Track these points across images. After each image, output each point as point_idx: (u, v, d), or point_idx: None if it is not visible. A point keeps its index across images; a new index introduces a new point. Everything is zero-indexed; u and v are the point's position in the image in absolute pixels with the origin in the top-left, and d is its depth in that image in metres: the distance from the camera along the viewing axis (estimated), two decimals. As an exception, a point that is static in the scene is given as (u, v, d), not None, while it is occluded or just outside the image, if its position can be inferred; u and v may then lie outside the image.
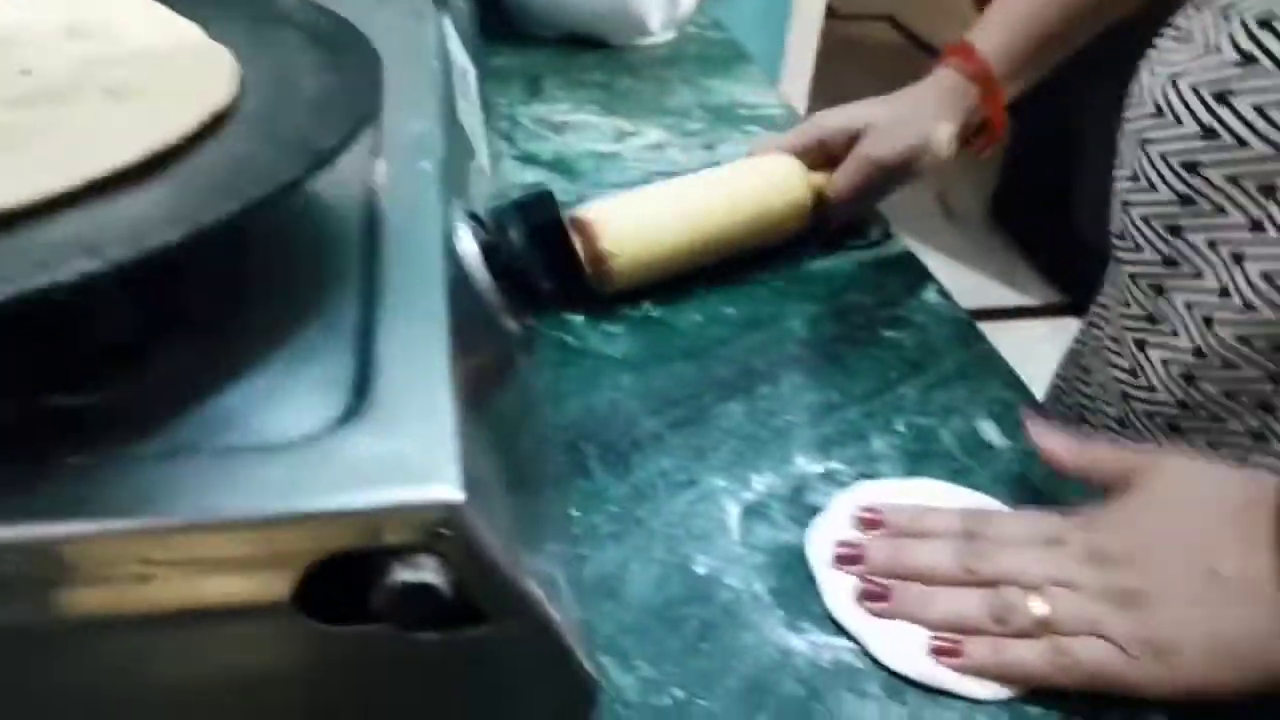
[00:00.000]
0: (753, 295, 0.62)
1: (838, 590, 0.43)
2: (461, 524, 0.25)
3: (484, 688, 0.29)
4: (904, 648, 0.41)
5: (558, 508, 0.36)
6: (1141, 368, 0.54)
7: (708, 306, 0.60)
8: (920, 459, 0.51)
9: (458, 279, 0.35)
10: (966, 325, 0.61)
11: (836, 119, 0.64)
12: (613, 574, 0.44)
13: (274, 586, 0.25)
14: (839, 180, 0.63)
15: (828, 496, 0.48)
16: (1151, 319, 0.53)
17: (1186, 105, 0.50)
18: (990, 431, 0.52)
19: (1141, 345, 0.54)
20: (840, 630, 0.42)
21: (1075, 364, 0.65)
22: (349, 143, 0.28)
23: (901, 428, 0.53)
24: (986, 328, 0.61)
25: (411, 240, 0.33)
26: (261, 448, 0.26)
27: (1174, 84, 0.51)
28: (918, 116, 0.63)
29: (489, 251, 0.38)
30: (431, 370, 0.28)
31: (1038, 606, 0.39)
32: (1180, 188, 0.50)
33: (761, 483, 0.49)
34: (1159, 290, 0.52)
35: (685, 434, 0.51)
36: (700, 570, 0.44)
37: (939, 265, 0.62)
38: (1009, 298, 1.90)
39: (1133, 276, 0.54)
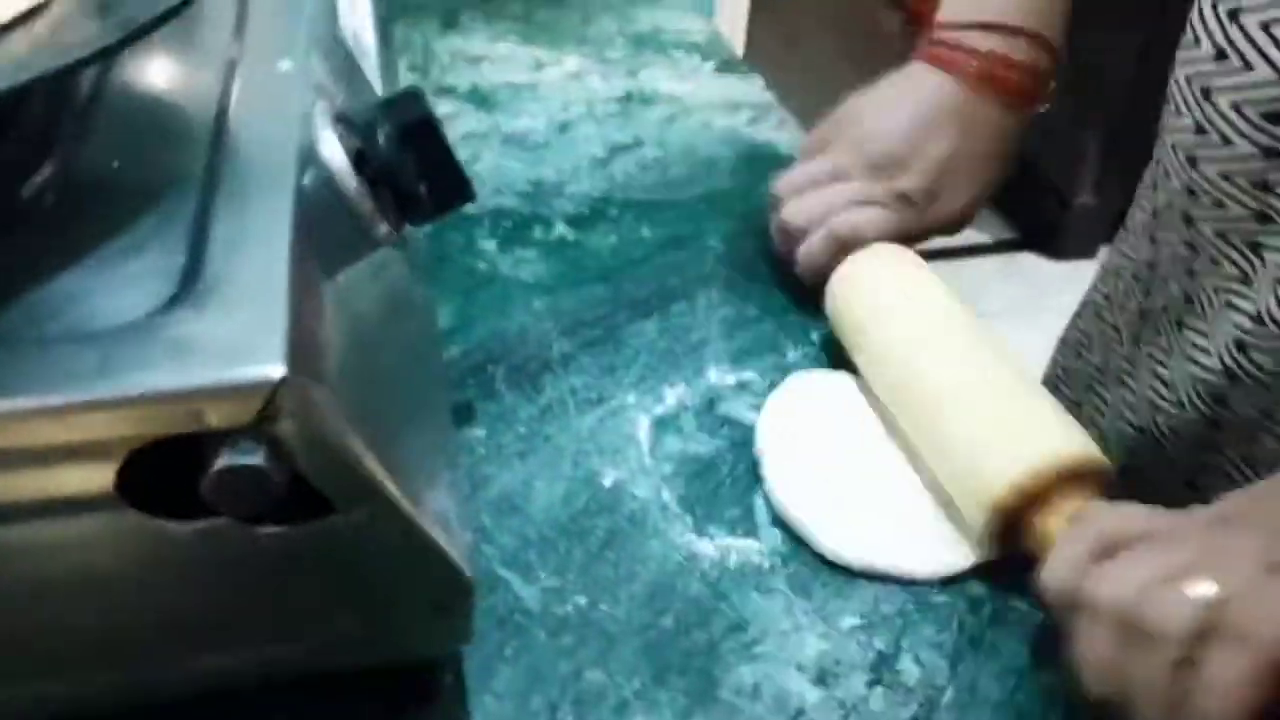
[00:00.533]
0: (670, 216, 0.60)
1: (783, 476, 0.43)
2: (289, 404, 0.23)
3: (349, 585, 0.28)
4: (847, 533, 0.41)
5: (439, 419, 0.35)
6: (1215, 333, 0.47)
7: (623, 228, 0.59)
8: (835, 368, 0.50)
9: (317, 180, 0.33)
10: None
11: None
12: (518, 490, 0.43)
13: (98, 477, 0.24)
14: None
15: (741, 407, 0.48)
16: (1243, 276, 0.45)
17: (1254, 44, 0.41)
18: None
19: (1228, 304, 0.46)
20: (753, 533, 0.42)
21: (1101, 319, 0.58)
22: (169, 17, 0.27)
23: (816, 338, 0.52)
24: (940, 265, 0.58)
25: (263, 139, 0.32)
26: (80, 334, 0.24)
27: (1236, 20, 0.42)
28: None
29: (359, 156, 0.37)
30: (267, 260, 0.27)
31: None
32: (1265, 141, 0.41)
33: (673, 396, 0.48)
34: (1255, 248, 0.44)
35: (596, 353, 0.50)
36: (607, 483, 0.43)
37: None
38: (964, 236, 1.90)
39: (1219, 233, 0.45)
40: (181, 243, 0.27)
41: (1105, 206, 1.84)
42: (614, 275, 0.55)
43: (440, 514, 0.29)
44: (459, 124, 0.66)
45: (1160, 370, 0.50)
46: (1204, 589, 0.30)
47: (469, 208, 0.59)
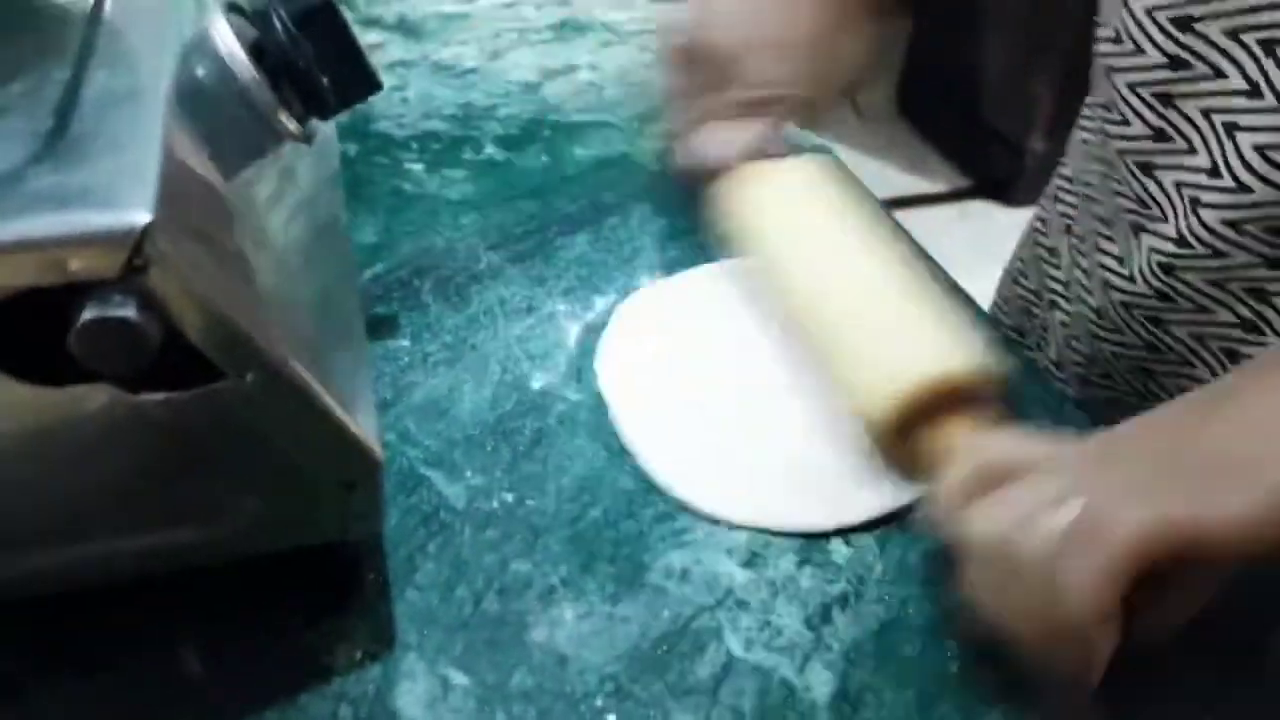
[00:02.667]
0: (604, 136, 0.59)
1: (626, 408, 0.42)
2: (158, 253, 0.22)
3: (247, 463, 0.27)
4: (686, 470, 0.39)
5: (346, 318, 0.34)
6: (1131, 255, 0.47)
7: (555, 148, 0.58)
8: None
9: (207, 64, 0.32)
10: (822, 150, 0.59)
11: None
12: (444, 395, 0.42)
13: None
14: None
15: (674, 312, 0.47)
16: (1142, 202, 0.46)
17: None
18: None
19: (1138, 230, 0.46)
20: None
21: (1039, 245, 0.59)
22: None
23: (752, 245, 0.52)
24: (895, 214, 0.56)
25: (144, 18, 0.31)
26: (-65, 193, 0.23)
27: None
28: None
29: (258, 49, 0.35)
30: (139, 121, 0.26)
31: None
32: (1172, 49, 0.42)
33: (604, 303, 0.47)
34: (1147, 169, 0.45)
35: (526, 266, 0.49)
36: (536, 386, 0.43)
37: (849, 160, 0.57)
38: (919, 185, 1.90)
39: (1121, 153, 0.46)
40: (49, 108, 0.26)
41: (1057, 153, 1.85)
42: (545, 192, 0.54)
43: (341, 390, 0.28)
44: (386, 53, 0.65)
45: (1131, 239, 0.49)
46: (1070, 515, 0.30)
47: (394, 131, 0.59)
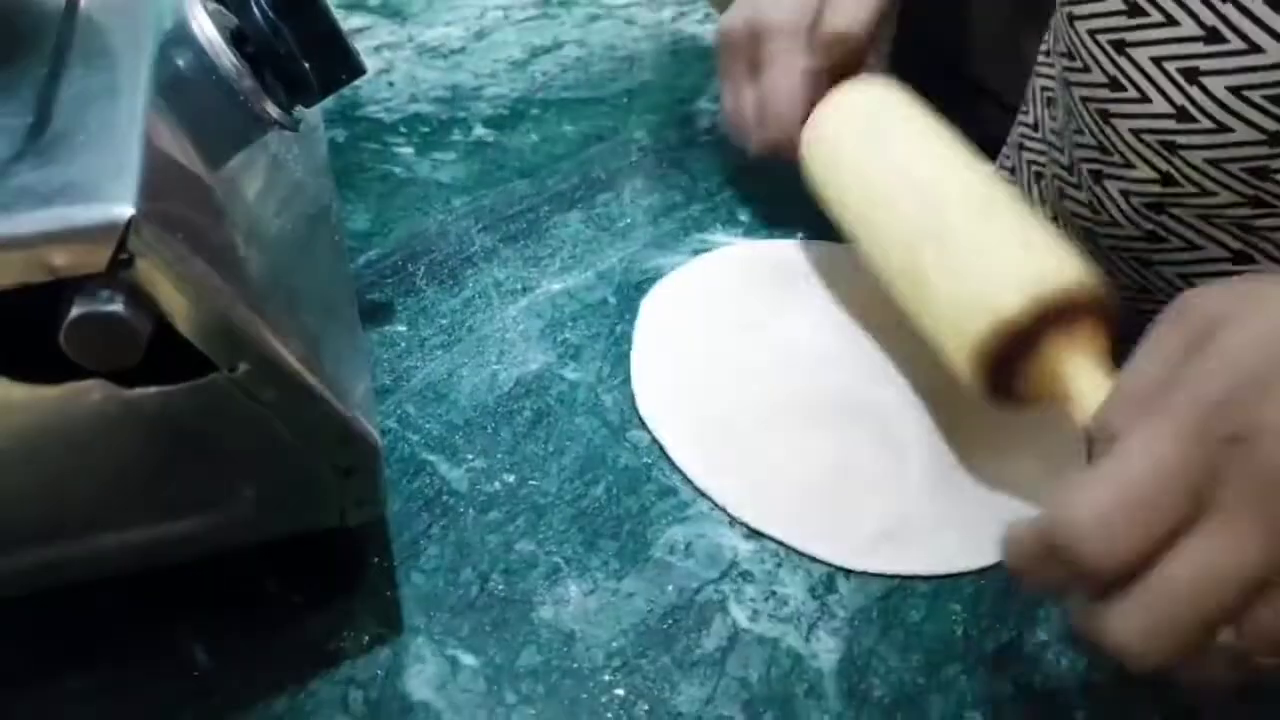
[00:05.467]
0: (594, 112, 0.59)
1: (648, 381, 0.41)
2: (144, 247, 0.22)
3: (245, 453, 0.27)
4: (745, 494, 0.37)
5: (340, 307, 0.34)
6: (1101, 201, 0.47)
7: (544, 126, 0.57)
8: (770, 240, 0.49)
9: (186, 53, 0.32)
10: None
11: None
12: (442, 380, 0.42)
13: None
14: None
15: (669, 287, 0.47)
16: (1103, 149, 0.45)
17: None
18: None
19: (1098, 177, 0.46)
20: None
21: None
22: None
23: (744, 218, 0.51)
24: None
25: (120, 11, 0.30)
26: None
27: None
28: None
29: (239, 36, 0.35)
30: (120, 115, 0.25)
31: None
32: None
33: (600, 280, 0.47)
34: (1105, 117, 0.44)
35: (519, 246, 0.49)
36: (534, 367, 0.43)
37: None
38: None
39: (1083, 100, 0.46)
40: (28, 104, 0.26)
41: (1054, 110, 1.83)
42: (536, 171, 0.54)
43: (336, 378, 0.28)
44: (370, 36, 0.64)
45: (1094, 186, 0.49)
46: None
47: (382, 116, 0.58)
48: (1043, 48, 0.53)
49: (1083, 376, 0.32)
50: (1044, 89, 0.52)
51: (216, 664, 0.32)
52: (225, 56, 0.34)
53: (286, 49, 0.36)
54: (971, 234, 0.37)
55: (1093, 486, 0.26)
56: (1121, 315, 0.36)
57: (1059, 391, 0.33)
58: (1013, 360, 0.34)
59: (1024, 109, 0.56)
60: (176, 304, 0.23)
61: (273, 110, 0.35)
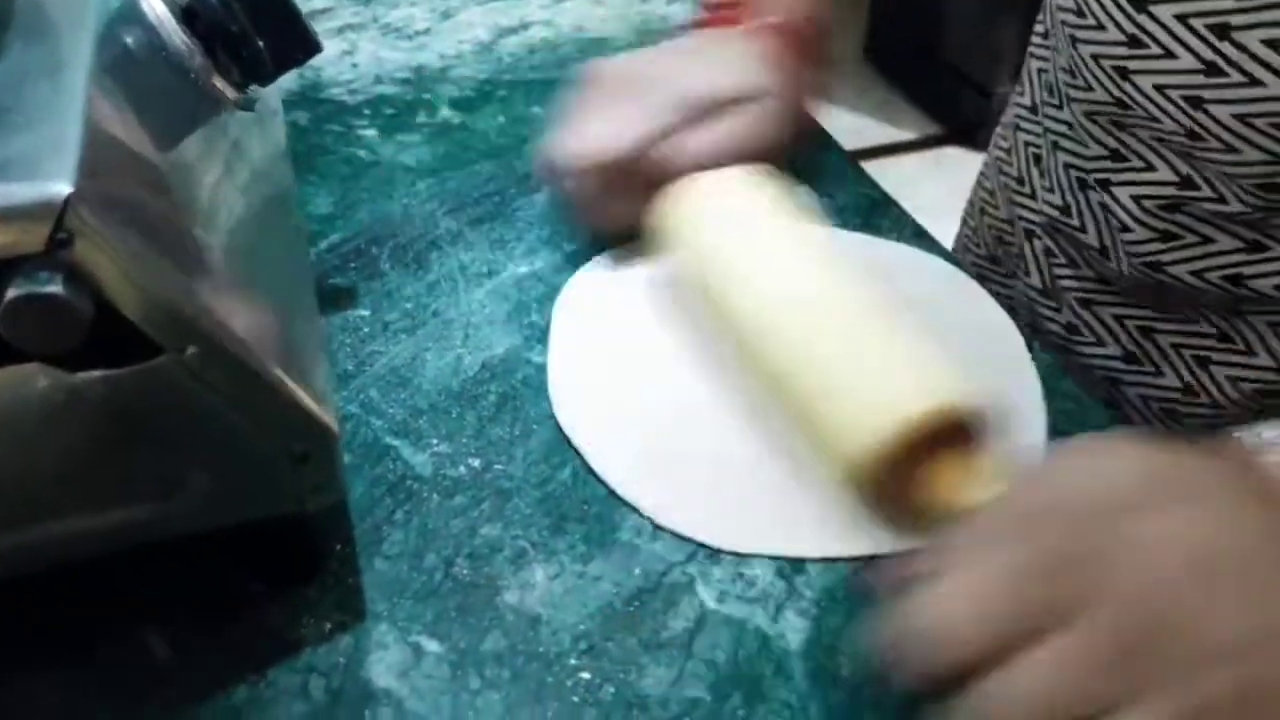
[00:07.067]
0: (560, 93, 0.58)
1: (565, 389, 0.40)
2: (84, 226, 0.22)
3: (196, 438, 0.27)
4: (665, 497, 0.36)
5: (296, 291, 0.33)
6: (1112, 207, 0.46)
7: (511, 108, 0.57)
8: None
9: (135, 32, 0.31)
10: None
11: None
12: (406, 364, 0.41)
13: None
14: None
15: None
16: (1115, 156, 0.45)
17: None
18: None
19: (1106, 185, 0.45)
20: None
21: (1003, 174, 0.57)
22: None
23: (714, 198, 0.51)
24: (869, 165, 0.56)
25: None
26: None
27: None
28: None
29: (189, 14, 0.34)
30: (60, 93, 0.25)
31: None
32: (1129, 28, 0.41)
33: (567, 262, 0.46)
34: (1120, 126, 0.44)
35: (485, 229, 0.48)
36: (500, 351, 0.42)
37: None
38: (889, 133, 1.89)
39: (1089, 115, 0.45)
40: (-36, 81, 0.25)
41: (1026, 95, 1.84)
42: (503, 154, 0.53)
43: (292, 362, 0.28)
44: (333, 17, 0.63)
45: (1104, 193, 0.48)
46: None
47: (345, 98, 0.57)
48: (1037, 29, 0.52)
49: (959, 494, 0.32)
50: (1040, 71, 0.52)
51: (176, 654, 0.31)
52: (175, 34, 0.33)
53: (239, 26, 0.35)
54: (840, 363, 0.36)
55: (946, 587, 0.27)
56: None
57: (940, 507, 0.33)
58: (895, 480, 0.34)
59: (1019, 90, 0.55)
60: (118, 285, 0.23)
61: (226, 89, 0.34)
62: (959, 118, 1.88)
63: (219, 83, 0.34)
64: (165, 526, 0.29)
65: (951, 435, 0.33)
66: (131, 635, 0.31)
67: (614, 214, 0.44)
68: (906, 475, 0.33)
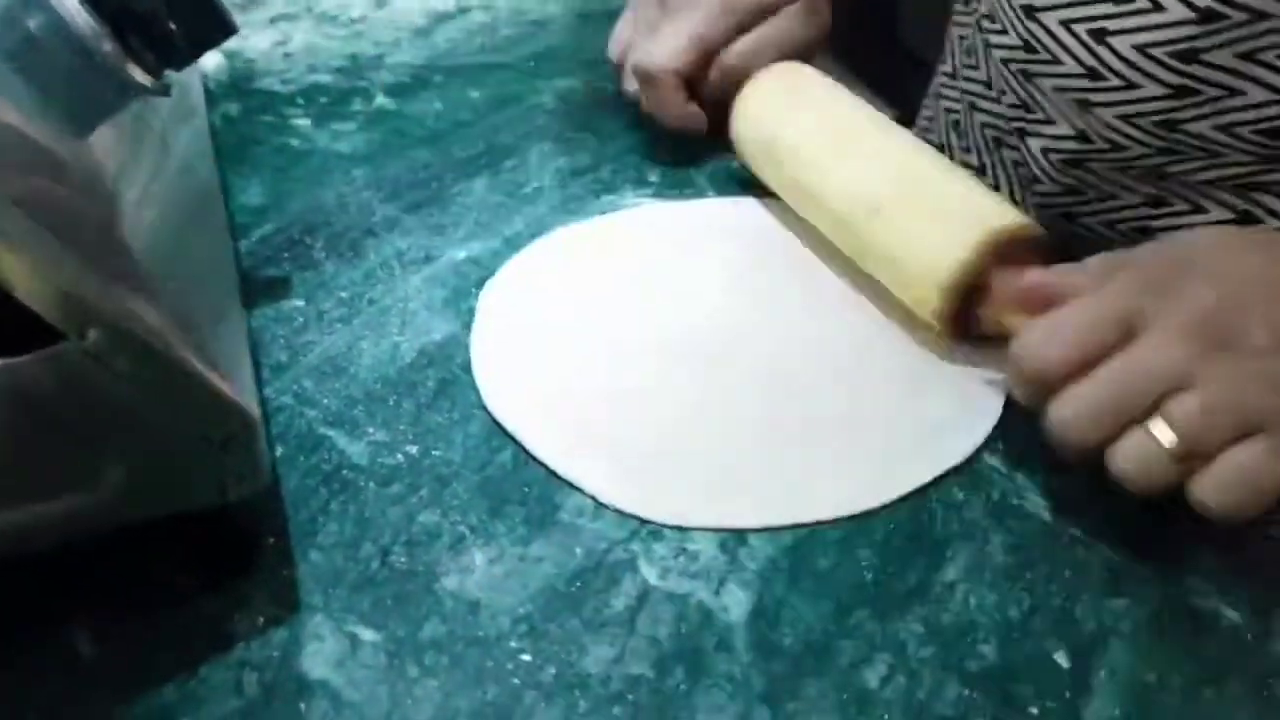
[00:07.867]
0: (499, 78, 0.58)
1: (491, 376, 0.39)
2: (-31, 206, 0.21)
3: (108, 429, 0.26)
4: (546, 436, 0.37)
5: (214, 280, 0.33)
6: (1024, 160, 0.48)
7: (448, 93, 0.56)
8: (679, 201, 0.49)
9: (44, 20, 0.30)
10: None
11: None
12: (342, 353, 0.40)
13: None
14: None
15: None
16: (1026, 107, 0.46)
17: None
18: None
19: (1022, 134, 0.47)
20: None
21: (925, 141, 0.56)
22: None
23: (655, 178, 0.50)
24: None
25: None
26: None
27: None
28: None
29: (97, -2, 0.33)
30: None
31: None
32: None
33: (506, 246, 0.46)
34: (1027, 76, 0.45)
35: (423, 215, 0.48)
36: (438, 336, 0.41)
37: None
38: (845, 118, 1.90)
39: (1004, 61, 0.47)
40: None
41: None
42: (440, 139, 0.52)
43: (209, 350, 0.27)
44: (266, 8, 0.62)
45: (1021, 144, 0.49)
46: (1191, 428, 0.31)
47: (278, 88, 0.56)
48: (957, 6, 0.53)
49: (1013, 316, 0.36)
50: (961, 38, 0.52)
51: (102, 653, 0.30)
52: (81, 18, 0.32)
53: (149, 8, 0.34)
54: (922, 189, 0.41)
55: (1044, 320, 0.33)
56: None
57: (1005, 322, 0.37)
58: (969, 298, 0.38)
59: (942, 59, 0.56)
60: (13, 270, 0.22)
61: (138, 75, 0.34)
62: (915, 100, 1.89)
63: (130, 68, 0.33)
64: (85, 522, 0.28)
65: (1014, 256, 0.38)
66: (54, 634, 0.30)
67: (694, 116, 0.50)
68: (978, 294, 0.38)
